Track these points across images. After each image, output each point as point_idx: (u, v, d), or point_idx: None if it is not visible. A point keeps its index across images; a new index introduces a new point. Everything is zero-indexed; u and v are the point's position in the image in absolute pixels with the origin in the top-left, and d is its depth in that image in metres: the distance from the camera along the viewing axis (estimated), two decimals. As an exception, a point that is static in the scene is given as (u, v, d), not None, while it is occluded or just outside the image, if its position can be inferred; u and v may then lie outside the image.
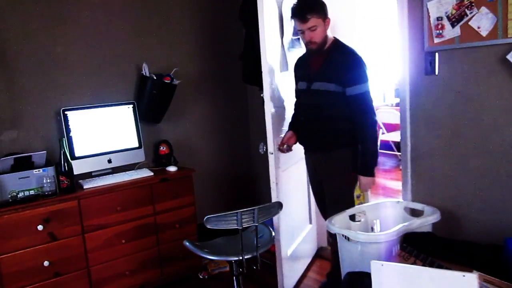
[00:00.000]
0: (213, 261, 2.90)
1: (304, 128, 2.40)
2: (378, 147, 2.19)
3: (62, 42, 2.75)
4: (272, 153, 2.34)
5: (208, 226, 1.90)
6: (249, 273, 2.37)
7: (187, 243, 2.11)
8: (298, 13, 2.15)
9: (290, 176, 2.66)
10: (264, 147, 2.42)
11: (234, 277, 2.19)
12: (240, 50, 3.10)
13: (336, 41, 2.27)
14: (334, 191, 2.39)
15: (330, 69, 2.19)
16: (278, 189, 2.40)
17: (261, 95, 2.36)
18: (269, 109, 2.31)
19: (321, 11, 2.15)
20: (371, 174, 2.24)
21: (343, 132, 2.27)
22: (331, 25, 2.21)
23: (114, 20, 2.95)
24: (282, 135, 2.48)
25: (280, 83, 2.49)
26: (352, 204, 2.31)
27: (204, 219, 1.89)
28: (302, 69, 2.41)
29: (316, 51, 2.22)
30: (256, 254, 2.02)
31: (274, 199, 2.34)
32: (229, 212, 1.89)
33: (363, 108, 2.16)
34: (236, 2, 3.53)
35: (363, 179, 2.25)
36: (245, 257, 1.98)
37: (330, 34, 2.26)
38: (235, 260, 2.04)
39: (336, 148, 2.31)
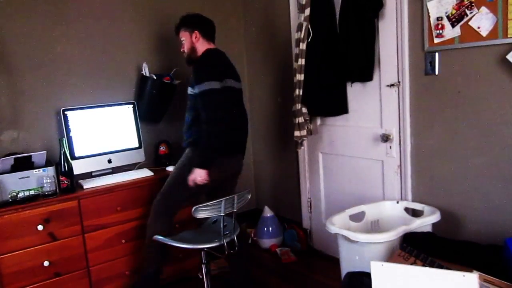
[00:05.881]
0: (213, 261, 2.92)
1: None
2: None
3: (62, 42, 2.76)
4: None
5: (197, 216, 2.04)
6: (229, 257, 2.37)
7: (159, 237, 2.20)
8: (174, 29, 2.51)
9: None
10: None
11: (203, 265, 2.29)
12: (238, 50, 3.10)
13: (205, 51, 2.39)
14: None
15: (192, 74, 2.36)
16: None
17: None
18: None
19: (187, 26, 2.41)
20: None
21: None
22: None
23: (114, 20, 2.95)
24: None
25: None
26: None
27: (193, 210, 2.02)
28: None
29: (188, 61, 2.47)
30: (233, 237, 2.18)
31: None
32: (213, 201, 2.05)
33: (203, 105, 2.23)
34: (236, 1, 3.54)
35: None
36: (213, 245, 2.11)
37: (202, 46, 2.42)
38: (207, 248, 2.15)
39: None
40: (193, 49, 2.43)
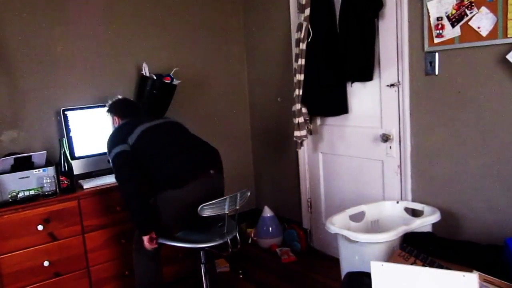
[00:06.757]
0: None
1: None
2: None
3: (62, 42, 2.75)
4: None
5: (203, 215, 2.05)
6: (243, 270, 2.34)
7: (160, 240, 2.21)
8: None
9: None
10: None
11: (203, 265, 2.31)
12: (238, 50, 3.08)
13: None
14: None
15: None
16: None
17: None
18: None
19: (109, 112, 2.53)
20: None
21: None
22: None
23: (114, 20, 2.95)
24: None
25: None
26: None
27: (199, 208, 2.02)
28: None
29: None
30: (236, 235, 2.22)
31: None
32: (218, 200, 2.08)
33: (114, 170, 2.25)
34: (236, 1, 3.54)
35: None
36: (213, 244, 2.14)
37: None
38: (208, 247, 2.17)
39: None
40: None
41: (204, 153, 2.35)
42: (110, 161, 2.25)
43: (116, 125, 2.49)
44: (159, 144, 2.29)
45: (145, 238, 2.18)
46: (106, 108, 2.56)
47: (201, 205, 2.03)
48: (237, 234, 2.24)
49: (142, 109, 2.65)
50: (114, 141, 2.29)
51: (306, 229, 3.25)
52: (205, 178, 2.23)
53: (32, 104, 2.68)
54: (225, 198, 2.09)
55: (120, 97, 2.62)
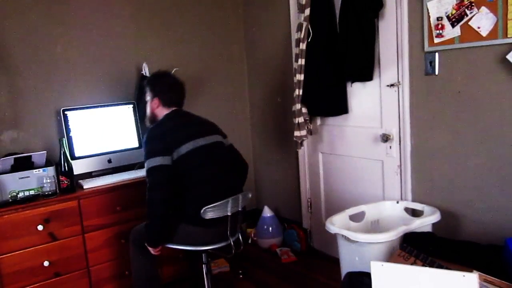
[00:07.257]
0: (213, 260, 2.92)
1: None
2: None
3: (62, 42, 2.76)
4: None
5: (207, 217, 2.03)
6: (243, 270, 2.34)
7: (169, 245, 2.20)
8: None
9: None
10: None
11: (204, 265, 2.33)
12: (238, 50, 3.09)
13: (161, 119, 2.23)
14: None
15: None
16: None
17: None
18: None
19: (149, 89, 2.26)
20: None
21: None
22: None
23: (114, 20, 2.95)
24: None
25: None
26: None
27: (202, 211, 2.01)
28: None
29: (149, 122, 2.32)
30: (238, 236, 2.28)
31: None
32: (221, 202, 2.07)
33: (147, 183, 2.06)
34: (236, 1, 3.54)
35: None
36: (216, 246, 2.16)
37: (161, 112, 2.23)
38: (211, 249, 2.17)
39: None
40: (153, 114, 2.28)
41: (237, 197, 2.17)
42: (145, 169, 2.06)
43: (156, 112, 2.21)
44: (200, 176, 2.10)
45: (152, 249, 2.19)
46: (148, 80, 2.26)
47: (203, 208, 2.02)
48: (240, 236, 2.26)
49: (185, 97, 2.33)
50: (156, 148, 2.03)
51: (306, 229, 3.25)
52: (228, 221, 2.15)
53: (32, 104, 2.68)
54: (228, 200, 2.09)
55: (165, 70, 2.27)
